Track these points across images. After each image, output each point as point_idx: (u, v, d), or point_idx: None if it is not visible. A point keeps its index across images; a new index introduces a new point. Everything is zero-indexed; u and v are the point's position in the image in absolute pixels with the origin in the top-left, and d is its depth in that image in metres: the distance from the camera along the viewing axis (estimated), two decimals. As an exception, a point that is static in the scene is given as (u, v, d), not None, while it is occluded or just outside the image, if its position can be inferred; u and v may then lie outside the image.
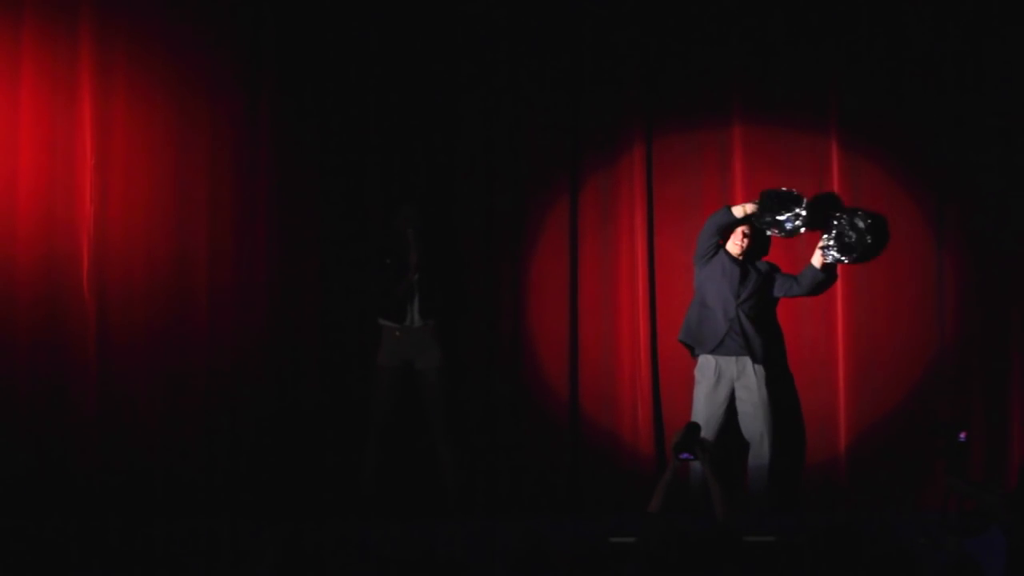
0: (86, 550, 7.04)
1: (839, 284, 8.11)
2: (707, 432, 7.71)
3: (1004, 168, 8.06)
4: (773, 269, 8.10)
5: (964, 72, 8.09)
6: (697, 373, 7.93)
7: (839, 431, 8.06)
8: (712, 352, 7.88)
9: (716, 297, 7.90)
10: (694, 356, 7.98)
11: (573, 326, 8.20)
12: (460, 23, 8.23)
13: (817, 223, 8.02)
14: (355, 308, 8.08)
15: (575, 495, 8.09)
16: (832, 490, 8.02)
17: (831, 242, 8.00)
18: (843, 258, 8.01)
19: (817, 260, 8.03)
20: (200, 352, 7.91)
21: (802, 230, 8.00)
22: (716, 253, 7.96)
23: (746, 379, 7.86)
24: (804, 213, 7.96)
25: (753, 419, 7.83)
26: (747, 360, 7.86)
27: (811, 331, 8.10)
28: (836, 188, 8.16)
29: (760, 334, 7.91)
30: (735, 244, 7.96)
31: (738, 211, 7.94)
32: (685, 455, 6.64)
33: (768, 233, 8.03)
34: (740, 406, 7.87)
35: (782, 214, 7.97)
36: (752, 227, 7.98)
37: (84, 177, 7.85)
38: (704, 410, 7.82)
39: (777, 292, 8.07)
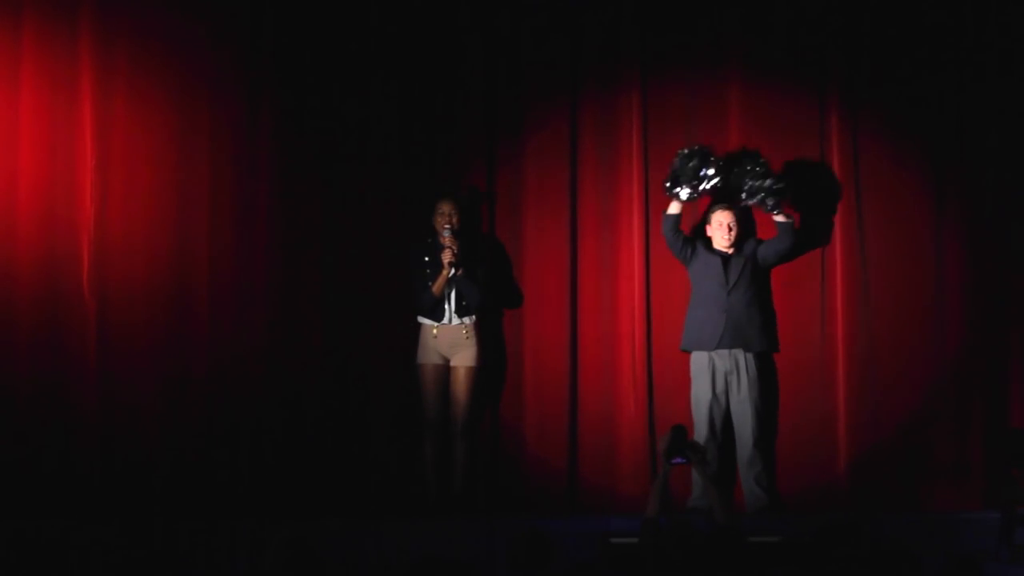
0: (86, 550, 7.04)
1: (839, 283, 8.09)
2: (709, 430, 7.72)
3: (1008, 157, 8.07)
4: (757, 243, 7.96)
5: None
6: (693, 369, 7.88)
7: (839, 431, 8.05)
8: (710, 349, 7.84)
9: (707, 293, 7.84)
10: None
11: (573, 322, 8.18)
12: (460, 21, 8.21)
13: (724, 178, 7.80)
14: (355, 307, 8.08)
15: (575, 495, 8.08)
16: (832, 491, 8.02)
17: (757, 198, 7.81)
18: (770, 202, 7.80)
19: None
20: (200, 352, 7.90)
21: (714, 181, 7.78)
22: (695, 250, 7.89)
23: (739, 375, 7.80)
24: (712, 172, 7.75)
25: (743, 419, 7.81)
26: (740, 354, 7.80)
27: (811, 331, 8.09)
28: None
29: (754, 320, 7.82)
30: (722, 239, 7.86)
31: (673, 208, 7.85)
32: (677, 460, 6.34)
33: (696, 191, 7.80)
34: (732, 405, 7.83)
35: (701, 172, 7.76)
36: (735, 216, 7.88)
37: (84, 177, 7.83)
38: (703, 408, 7.80)
39: (769, 259, 7.91)
